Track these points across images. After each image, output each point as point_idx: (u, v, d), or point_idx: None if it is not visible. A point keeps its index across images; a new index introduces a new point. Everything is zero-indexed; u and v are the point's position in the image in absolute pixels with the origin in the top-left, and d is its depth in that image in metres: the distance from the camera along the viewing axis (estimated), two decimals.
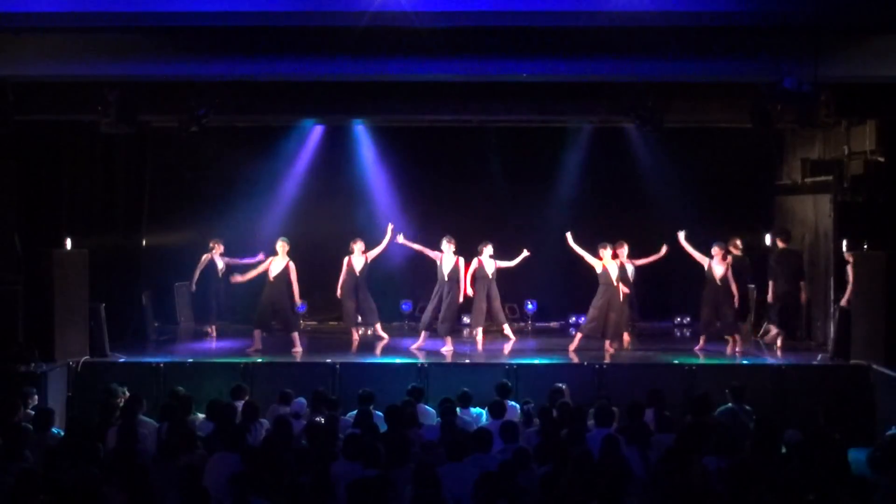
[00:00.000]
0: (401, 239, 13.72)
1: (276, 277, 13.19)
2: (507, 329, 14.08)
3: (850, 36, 10.04)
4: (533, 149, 15.81)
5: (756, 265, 14.51)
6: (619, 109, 12.06)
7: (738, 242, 13.95)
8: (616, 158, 15.62)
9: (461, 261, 13.61)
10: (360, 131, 15.95)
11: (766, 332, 14.15)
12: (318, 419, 9.14)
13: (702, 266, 13.31)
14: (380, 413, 9.25)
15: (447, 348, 13.29)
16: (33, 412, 9.40)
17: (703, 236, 14.67)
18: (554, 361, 12.74)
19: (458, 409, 9.40)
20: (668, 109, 11.79)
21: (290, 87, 11.85)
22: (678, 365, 12.21)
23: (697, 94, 11.99)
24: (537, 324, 15.96)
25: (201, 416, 9.65)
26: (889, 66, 10.21)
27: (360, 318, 14.29)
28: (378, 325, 14.27)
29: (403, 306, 15.94)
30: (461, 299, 13.72)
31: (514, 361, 12.39)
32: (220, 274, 14.80)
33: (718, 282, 13.12)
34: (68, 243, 12.88)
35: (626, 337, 13.78)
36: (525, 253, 13.63)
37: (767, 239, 15.07)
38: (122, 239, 14.54)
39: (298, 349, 13.25)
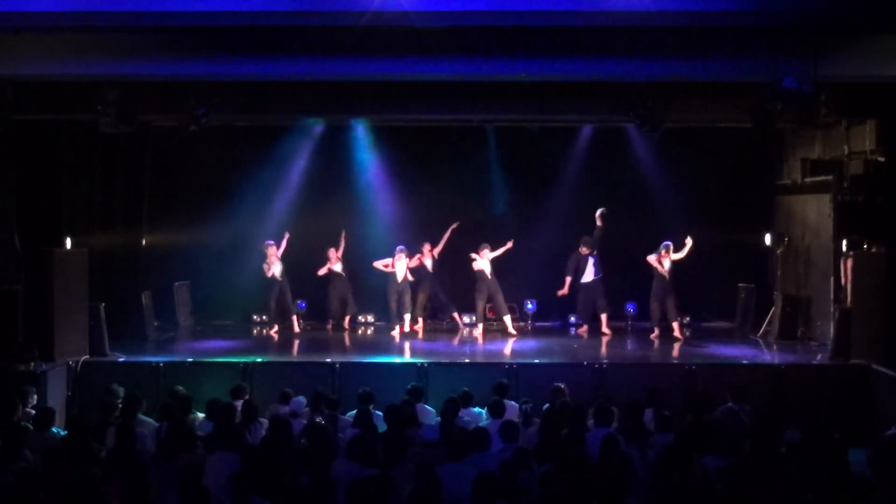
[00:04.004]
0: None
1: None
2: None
3: (850, 36, 10.02)
4: (533, 148, 15.80)
5: (756, 264, 14.51)
6: (619, 109, 12.05)
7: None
8: (616, 158, 15.61)
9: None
10: (360, 131, 15.94)
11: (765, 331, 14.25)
12: (317, 419, 9.14)
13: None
14: (379, 413, 9.25)
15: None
16: (33, 412, 9.42)
17: (704, 236, 14.72)
18: (554, 361, 12.73)
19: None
20: (668, 109, 11.77)
21: (290, 87, 11.83)
22: (678, 365, 12.21)
23: (697, 94, 11.98)
24: (537, 324, 15.93)
25: (201, 415, 9.66)
26: (889, 66, 10.20)
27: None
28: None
29: None
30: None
31: (513, 361, 12.38)
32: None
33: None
34: (68, 243, 12.88)
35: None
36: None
37: (768, 239, 15.05)
38: (122, 239, 14.53)
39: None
